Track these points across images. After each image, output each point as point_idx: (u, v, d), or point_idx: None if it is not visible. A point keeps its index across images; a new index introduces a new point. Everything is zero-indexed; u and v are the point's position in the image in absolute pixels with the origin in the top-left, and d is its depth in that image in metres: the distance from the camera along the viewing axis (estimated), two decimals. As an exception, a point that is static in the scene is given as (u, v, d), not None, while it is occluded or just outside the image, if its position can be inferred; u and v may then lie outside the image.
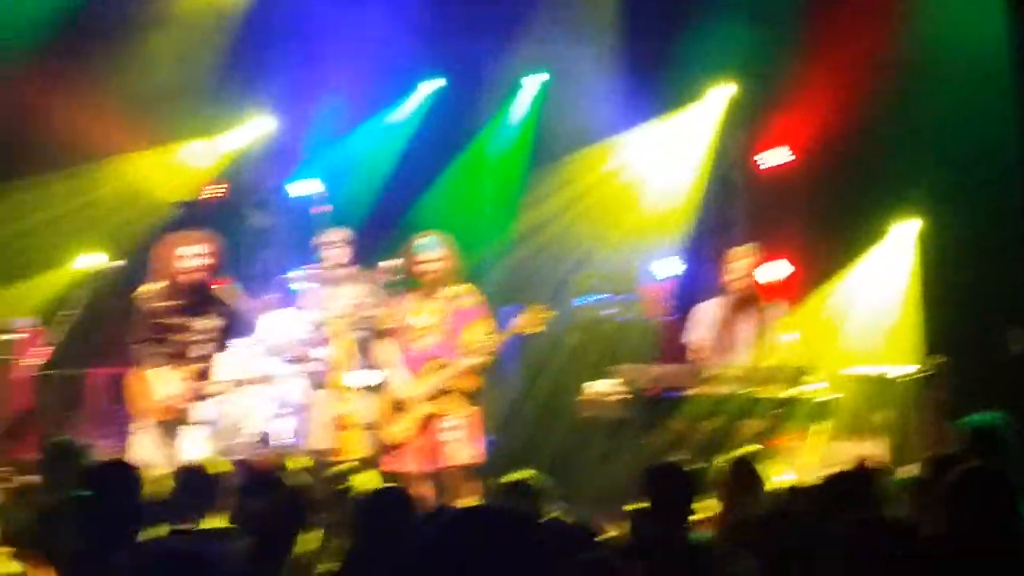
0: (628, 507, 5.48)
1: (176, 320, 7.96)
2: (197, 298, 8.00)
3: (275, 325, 10.54)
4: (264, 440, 10.12)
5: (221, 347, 7.99)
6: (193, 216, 11.74)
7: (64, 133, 11.06)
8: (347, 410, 9.10)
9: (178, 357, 8.00)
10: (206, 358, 7.98)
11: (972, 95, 9.90)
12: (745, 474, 5.78)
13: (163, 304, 8.03)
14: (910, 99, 10.20)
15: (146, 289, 8.16)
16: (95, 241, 10.47)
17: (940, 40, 10.07)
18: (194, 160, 12.34)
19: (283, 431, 10.22)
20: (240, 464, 5.14)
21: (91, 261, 10.46)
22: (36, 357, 8.48)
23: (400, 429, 8.23)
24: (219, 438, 10.02)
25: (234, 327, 8.01)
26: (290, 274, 11.18)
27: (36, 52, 10.89)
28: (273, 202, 12.95)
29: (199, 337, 7.97)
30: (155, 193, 11.95)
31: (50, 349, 8.27)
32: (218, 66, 11.64)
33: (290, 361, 10.54)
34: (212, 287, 8.05)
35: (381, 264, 9.43)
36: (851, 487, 5.05)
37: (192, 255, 7.97)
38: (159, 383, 7.99)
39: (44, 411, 9.13)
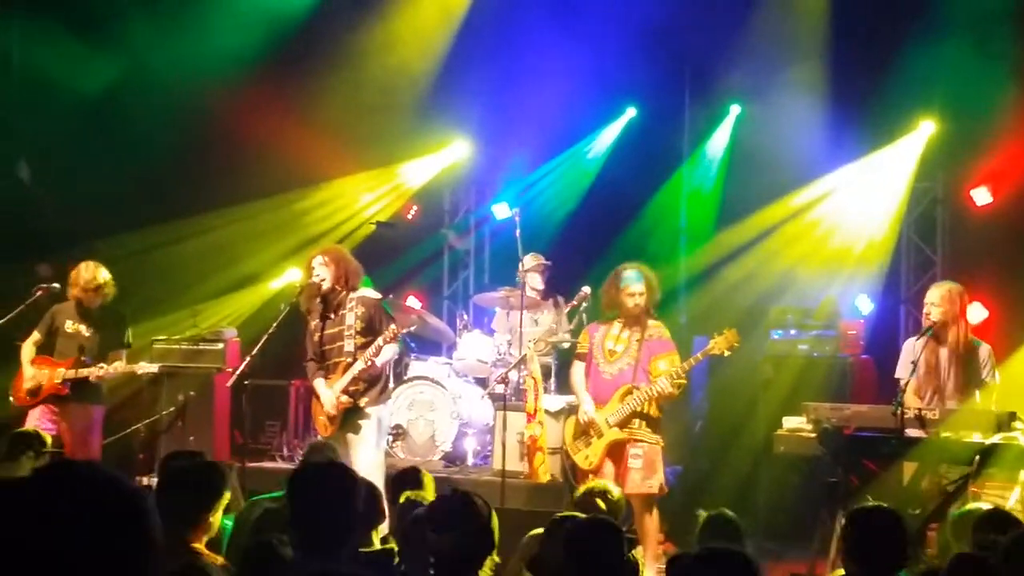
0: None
1: (321, 332, 8.24)
2: (331, 302, 8.26)
3: (466, 346, 10.74)
4: (451, 458, 10.30)
5: (362, 344, 8.14)
6: (393, 237, 12.06)
7: (276, 158, 11.50)
8: (537, 433, 9.17)
9: (331, 370, 8.23)
10: (347, 355, 8.15)
11: None
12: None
13: (310, 318, 8.33)
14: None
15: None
16: (299, 260, 10.81)
17: None
18: (397, 182, 12.67)
19: (469, 450, 10.39)
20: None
21: (292, 277, 10.81)
22: (240, 366, 8.77)
23: (588, 454, 8.26)
24: (411, 453, 10.27)
25: (372, 326, 8.16)
26: (483, 296, 11.39)
27: (249, 81, 11.32)
28: (470, 225, 13.21)
29: (333, 343, 8.20)
30: (359, 214, 12.32)
31: (251, 359, 8.52)
32: (422, 92, 11.91)
33: (478, 382, 10.72)
34: (341, 291, 8.25)
35: (582, 290, 9.51)
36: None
37: (317, 265, 8.25)
38: (324, 399, 8.23)
39: (242, 419, 9.41)
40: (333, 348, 8.25)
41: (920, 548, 7.13)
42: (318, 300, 8.30)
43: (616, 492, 6.29)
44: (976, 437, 7.60)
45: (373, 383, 8.25)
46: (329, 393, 8.17)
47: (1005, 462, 7.59)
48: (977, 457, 7.55)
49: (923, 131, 11.37)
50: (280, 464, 10.32)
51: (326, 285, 8.21)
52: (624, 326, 8.35)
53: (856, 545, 4.81)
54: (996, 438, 7.58)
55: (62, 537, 2.07)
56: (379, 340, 8.06)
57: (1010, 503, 7.71)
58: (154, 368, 9.16)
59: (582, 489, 6.35)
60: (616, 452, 8.21)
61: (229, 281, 11.81)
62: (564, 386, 9.47)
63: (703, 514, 5.72)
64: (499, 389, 10.00)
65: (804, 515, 8.52)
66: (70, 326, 8.95)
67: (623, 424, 8.20)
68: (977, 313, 10.17)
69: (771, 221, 11.68)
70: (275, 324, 8.56)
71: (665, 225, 12.17)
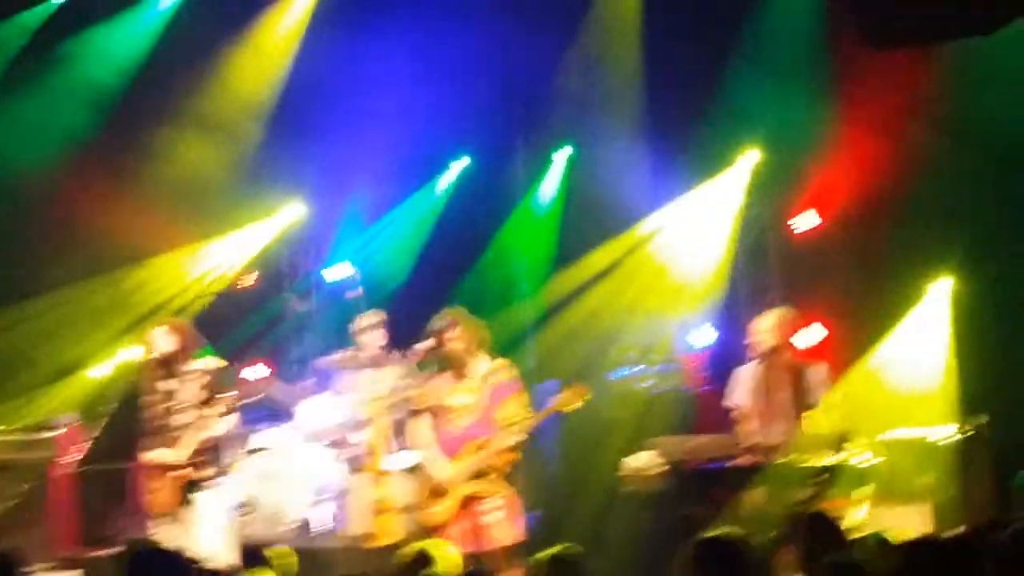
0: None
1: (162, 406, 8.12)
2: (171, 372, 8.12)
3: (313, 410, 10.60)
4: (305, 526, 10.13)
5: (201, 416, 8.02)
6: (232, 305, 11.87)
7: (103, 235, 11.25)
8: (385, 494, 9.07)
9: (168, 443, 8.09)
10: (185, 426, 8.02)
11: (1004, 157, 9.84)
12: (822, 526, 5.61)
13: (150, 394, 8.18)
14: (941, 160, 10.16)
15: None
16: (136, 337, 10.55)
17: (971, 107, 10.05)
18: (232, 250, 12.48)
19: (323, 517, 10.23)
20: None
21: (129, 356, 10.57)
22: (77, 453, 8.52)
23: (440, 512, 8.15)
24: (263, 525, 10.07)
25: (212, 397, 8.05)
26: (327, 359, 11.26)
27: (71, 160, 11.08)
28: (309, 287, 13.07)
29: (174, 415, 8.08)
30: (194, 286, 12.10)
31: (88, 444, 8.31)
32: (250, 158, 11.79)
33: (328, 446, 10.57)
34: (183, 361, 8.12)
35: (416, 346, 9.43)
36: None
37: (160, 335, 8.12)
38: (158, 462, 8.08)
39: (86, 507, 9.14)
40: (171, 421, 8.10)
41: (769, 573, 7.22)
42: (159, 372, 8.16)
43: (444, 553, 6.11)
44: (816, 458, 7.78)
45: (213, 455, 8.11)
46: (163, 452, 8.01)
47: (846, 480, 7.78)
48: (819, 478, 7.72)
49: (748, 160, 11.60)
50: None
51: (168, 351, 8.08)
52: (462, 376, 8.27)
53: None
54: (835, 457, 7.77)
55: None
56: (216, 410, 7.96)
57: (858, 518, 7.89)
58: None
59: (405, 552, 6.17)
60: (470, 507, 8.12)
61: (62, 366, 11.49)
62: (411, 442, 9.36)
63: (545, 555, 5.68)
64: (348, 451, 9.93)
65: (658, 551, 8.55)
66: None
67: (475, 479, 8.13)
68: (816, 333, 10.40)
69: (610, 259, 11.80)
70: (113, 406, 8.36)
71: (504, 270, 12.21)
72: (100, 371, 11.42)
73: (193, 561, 4.64)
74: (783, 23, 10.78)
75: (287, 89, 11.88)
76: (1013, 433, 8.79)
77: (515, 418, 8.15)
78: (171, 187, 11.46)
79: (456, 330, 8.20)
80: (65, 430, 10.20)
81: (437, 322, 8.24)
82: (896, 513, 8.10)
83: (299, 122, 11.78)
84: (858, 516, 7.93)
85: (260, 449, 10.37)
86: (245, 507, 9.98)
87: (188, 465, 8.01)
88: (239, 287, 12.50)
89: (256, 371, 11.56)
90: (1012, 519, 5.12)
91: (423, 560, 6.00)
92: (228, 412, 8.11)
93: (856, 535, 6.06)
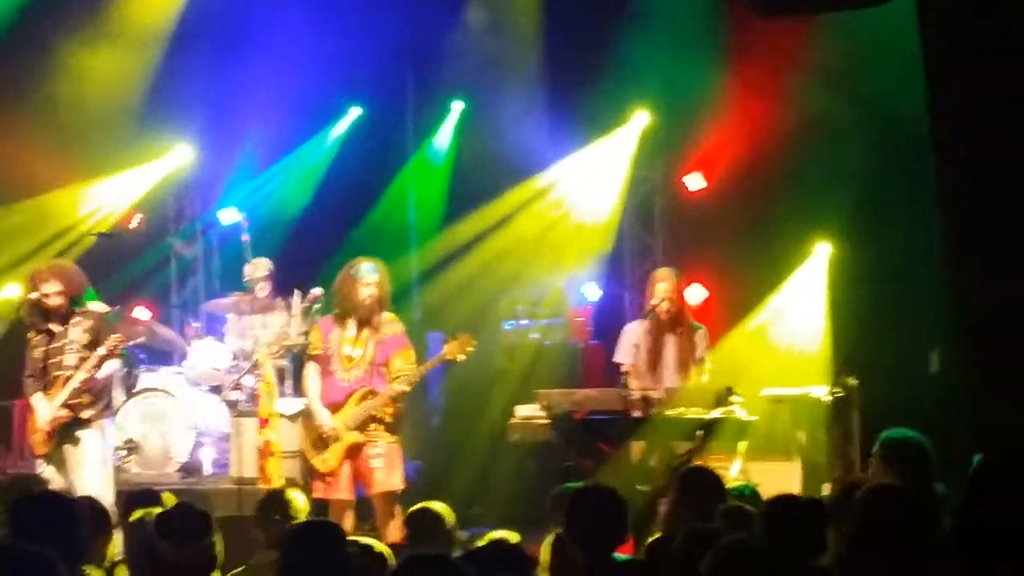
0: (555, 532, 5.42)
1: (46, 347, 8.03)
2: (57, 320, 8.04)
3: (198, 354, 10.55)
4: (188, 468, 10.10)
5: (85, 359, 7.95)
6: (116, 247, 11.68)
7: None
8: (271, 438, 9.08)
9: (51, 384, 8.02)
10: (68, 368, 7.96)
11: (889, 126, 10.08)
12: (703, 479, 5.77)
13: (33, 334, 8.09)
14: (827, 127, 10.39)
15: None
16: (17, 275, 10.32)
17: (860, 77, 10.29)
18: (117, 191, 12.25)
19: (206, 460, 10.21)
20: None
21: (10, 293, 10.35)
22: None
23: (326, 457, 8.21)
24: (145, 467, 10.03)
25: (97, 340, 7.98)
26: (214, 303, 11.21)
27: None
28: (197, 231, 12.93)
29: (58, 357, 8.00)
30: (78, 226, 11.87)
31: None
32: (139, 98, 11.57)
33: (213, 389, 10.54)
34: (67, 303, 8.04)
35: (312, 291, 9.43)
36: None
37: (41, 281, 8.02)
38: (39, 413, 8.01)
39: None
40: (55, 363, 8.02)
41: (651, 522, 7.42)
42: (41, 315, 8.05)
43: (299, 501, 6.18)
44: (698, 413, 8.00)
45: (97, 396, 8.06)
46: (46, 407, 7.95)
47: (725, 435, 8.02)
48: (700, 432, 7.95)
49: (638, 121, 11.73)
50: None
51: (52, 301, 7.97)
52: (359, 325, 8.30)
53: (576, 524, 4.90)
54: (716, 412, 7.99)
55: None
56: (99, 350, 7.89)
57: (732, 473, 8.15)
58: None
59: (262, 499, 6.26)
60: (355, 454, 8.20)
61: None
62: (300, 389, 9.38)
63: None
64: (234, 395, 9.92)
65: (542, 501, 8.70)
66: None
67: (361, 427, 8.19)
68: (697, 294, 10.61)
69: (500, 214, 11.87)
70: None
71: (394, 222, 12.22)
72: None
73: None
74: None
75: (180, 25, 11.63)
76: (882, 395, 9.07)
77: (402, 371, 8.23)
78: (56, 125, 11.17)
79: (380, 282, 8.23)
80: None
81: (366, 270, 8.22)
82: (769, 469, 8.34)
83: (190, 62, 11.57)
84: (732, 471, 8.18)
85: (145, 391, 10.30)
86: (129, 448, 9.93)
87: (70, 407, 7.93)
88: (123, 229, 12.32)
89: (138, 314, 11.42)
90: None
91: (281, 503, 6.07)
92: (111, 355, 8.01)
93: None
